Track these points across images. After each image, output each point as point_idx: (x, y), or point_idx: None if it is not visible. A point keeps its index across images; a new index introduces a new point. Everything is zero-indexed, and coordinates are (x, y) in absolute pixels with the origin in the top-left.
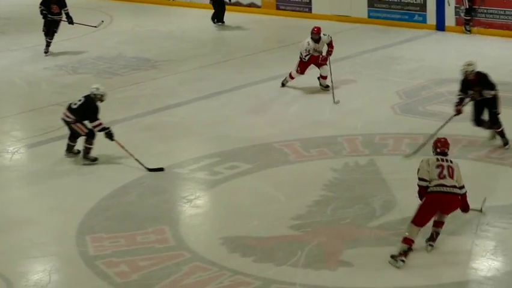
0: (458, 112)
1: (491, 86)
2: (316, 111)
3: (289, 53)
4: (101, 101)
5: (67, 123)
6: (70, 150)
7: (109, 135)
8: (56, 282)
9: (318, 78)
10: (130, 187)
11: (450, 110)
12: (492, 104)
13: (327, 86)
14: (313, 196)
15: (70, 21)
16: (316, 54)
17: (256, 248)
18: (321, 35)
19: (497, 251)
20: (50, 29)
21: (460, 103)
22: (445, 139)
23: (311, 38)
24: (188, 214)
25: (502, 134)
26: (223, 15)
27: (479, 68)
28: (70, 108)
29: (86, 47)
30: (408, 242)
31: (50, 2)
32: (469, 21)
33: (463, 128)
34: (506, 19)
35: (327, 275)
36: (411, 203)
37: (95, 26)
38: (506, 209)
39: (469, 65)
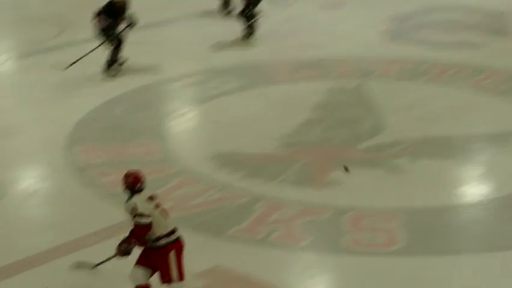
0: None
1: None
2: (307, 33)
3: None
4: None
5: None
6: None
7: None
8: (44, 189)
9: None
10: (118, 101)
11: (441, 36)
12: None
13: None
14: (303, 116)
15: None
16: None
17: (245, 164)
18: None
19: (486, 177)
20: None
21: None
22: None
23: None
24: (177, 129)
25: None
26: None
27: None
28: None
29: None
30: None
31: None
32: None
33: (449, 56)
34: None
35: (314, 193)
36: (400, 126)
37: None
38: (495, 138)
39: None
